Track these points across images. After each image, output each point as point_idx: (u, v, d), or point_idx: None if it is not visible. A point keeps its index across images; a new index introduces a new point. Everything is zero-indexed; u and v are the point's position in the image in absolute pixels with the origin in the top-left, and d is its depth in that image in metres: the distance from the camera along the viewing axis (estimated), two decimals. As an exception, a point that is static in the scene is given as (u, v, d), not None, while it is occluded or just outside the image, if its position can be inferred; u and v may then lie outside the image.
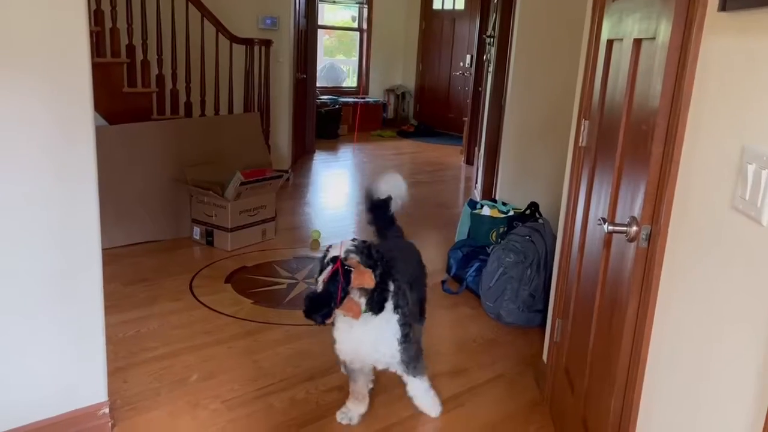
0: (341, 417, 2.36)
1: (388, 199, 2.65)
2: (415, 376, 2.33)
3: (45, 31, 1.86)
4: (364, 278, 1.97)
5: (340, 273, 1.94)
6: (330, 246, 2.08)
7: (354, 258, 2.00)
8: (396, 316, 2.17)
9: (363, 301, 2.04)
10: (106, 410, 2.22)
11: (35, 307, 2.00)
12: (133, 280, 3.59)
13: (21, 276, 1.96)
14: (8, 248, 1.91)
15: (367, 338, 2.16)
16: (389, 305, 2.13)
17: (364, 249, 2.03)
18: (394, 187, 2.67)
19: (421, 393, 2.40)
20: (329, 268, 1.97)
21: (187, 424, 2.32)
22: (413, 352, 2.26)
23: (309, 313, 1.96)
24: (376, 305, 2.04)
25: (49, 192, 1.95)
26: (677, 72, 1.43)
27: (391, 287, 2.14)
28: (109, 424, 2.23)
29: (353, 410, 2.37)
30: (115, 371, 2.56)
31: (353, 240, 2.08)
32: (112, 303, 2.86)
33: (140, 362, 2.72)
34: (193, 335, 3.00)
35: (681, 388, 1.37)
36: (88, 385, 2.18)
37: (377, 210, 2.66)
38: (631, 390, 1.59)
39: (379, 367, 2.29)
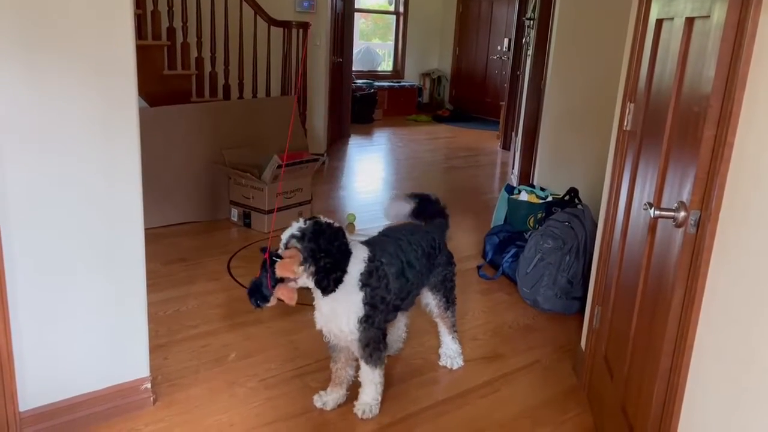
0: (316, 399, 2.36)
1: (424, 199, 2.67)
2: (367, 363, 2.25)
3: (92, 14, 1.88)
4: (286, 269, 2.03)
5: (267, 265, 2.04)
6: (294, 222, 2.11)
7: (293, 245, 2.04)
8: (361, 294, 2.16)
9: (310, 281, 2.07)
10: (148, 385, 2.28)
11: (82, 284, 2.06)
12: (172, 259, 3.66)
13: (69, 254, 2.01)
14: (57, 228, 1.96)
15: (333, 312, 2.19)
16: (354, 281, 2.14)
17: (309, 232, 2.04)
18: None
19: (366, 383, 2.30)
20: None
21: (225, 402, 2.36)
22: (372, 337, 2.21)
23: (250, 299, 2.12)
24: (322, 286, 2.06)
25: (95, 172, 1.99)
26: (733, 51, 1.38)
27: (360, 266, 2.16)
28: (151, 398, 2.29)
29: (330, 395, 2.35)
30: (156, 348, 2.62)
31: (305, 221, 2.09)
32: (153, 282, 2.90)
33: (180, 340, 2.77)
34: (231, 315, 3.04)
35: (727, 375, 1.34)
36: (131, 360, 2.24)
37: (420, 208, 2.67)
38: (676, 377, 1.56)
39: (343, 342, 2.27)
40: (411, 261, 2.35)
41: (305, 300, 3.22)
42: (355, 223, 4.51)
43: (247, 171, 4.19)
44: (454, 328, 2.67)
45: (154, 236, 3.90)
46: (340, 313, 2.18)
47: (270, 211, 4.20)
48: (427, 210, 2.67)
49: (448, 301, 2.60)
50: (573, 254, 3.22)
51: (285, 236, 2.09)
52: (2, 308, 1.86)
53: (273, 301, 2.12)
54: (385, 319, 2.30)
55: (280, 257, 2.04)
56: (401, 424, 2.29)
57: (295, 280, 2.06)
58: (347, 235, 2.16)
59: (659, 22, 1.97)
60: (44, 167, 1.89)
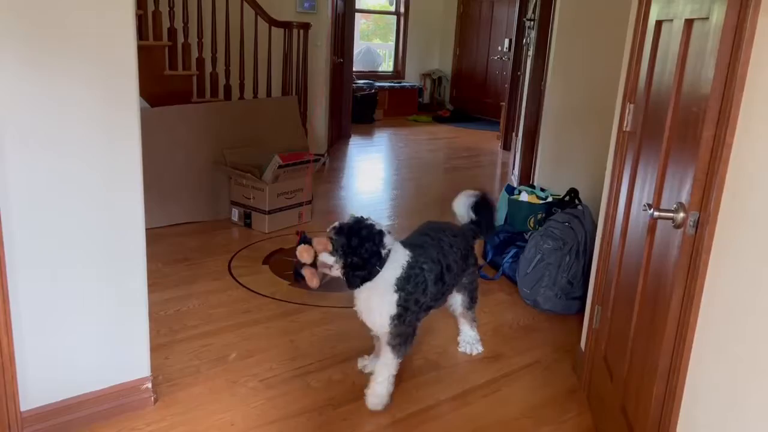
0: (360, 361, 2.59)
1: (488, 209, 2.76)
2: (392, 350, 2.33)
3: (94, 14, 1.89)
4: (302, 255, 2.21)
5: (297, 244, 2.30)
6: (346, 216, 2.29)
7: (329, 235, 2.20)
8: (395, 296, 2.26)
9: (338, 272, 2.20)
10: (149, 385, 2.28)
11: (83, 284, 2.06)
12: (173, 259, 3.66)
13: (70, 254, 2.01)
14: (58, 228, 1.97)
15: (367, 306, 2.33)
16: (389, 284, 2.24)
17: (348, 231, 2.16)
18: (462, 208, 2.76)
19: (381, 367, 2.36)
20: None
21: (227, 401, 2.36)
22: (403, 332, 2.32)
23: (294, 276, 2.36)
24: (347, 279, 2.20)
25: (96, 172, 2.00)
26: (731, 53, 1.39)
27: (398, 271, 2.26)
28: (152, 398, 2.29)
29: (373, 362, 2.51)
30: (157, 348, 2.62)
31: (351, 218, 2.22)
32: (153, 281, 2.92)
33: (181, 340, 2.78)
34: (232, 315, 3.05)
35: (726, 375, 1.35)
36: (132, 360, 2.24)
37: (479, 210, 2.74)
38: (675, 377, 1.57)
39: (377, 332, 2.41)
40: (450, 264, 2.46)
41: (305, 300, 3.23)
42: (355, 223, 4.51)
43: (248, 171, 4.20)
44: (474, 322, 2.83)
45: (155, 236, 3.90)
46: (374, 308, 2.31)
47: (271, 212, 4.21)
48: (481, 212, 2.74)
49: (473, 300, 2.75)
50: (573, 255, 3.23)
51: (329, 229, 2.24)
52: (3, 308, 1.87)
53: (304, 279, 2.28)
54: (417, 317, 2.37)
55: (309, 241, 2.21)
56: (401, 424, 2.30)
57: (329, 267, 2.19)
58: (389, 238, 2.24)
59: (659, 24, 1.97)
60: (46, 168, 1.90)
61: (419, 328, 2.40)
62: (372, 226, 2.20)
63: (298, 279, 2.39)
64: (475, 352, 2.80)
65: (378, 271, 2.20)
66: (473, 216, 2.72)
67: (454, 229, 2.63)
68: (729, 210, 1.39)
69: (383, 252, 2.20)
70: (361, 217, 2.22)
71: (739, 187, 1.35)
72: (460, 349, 2.82)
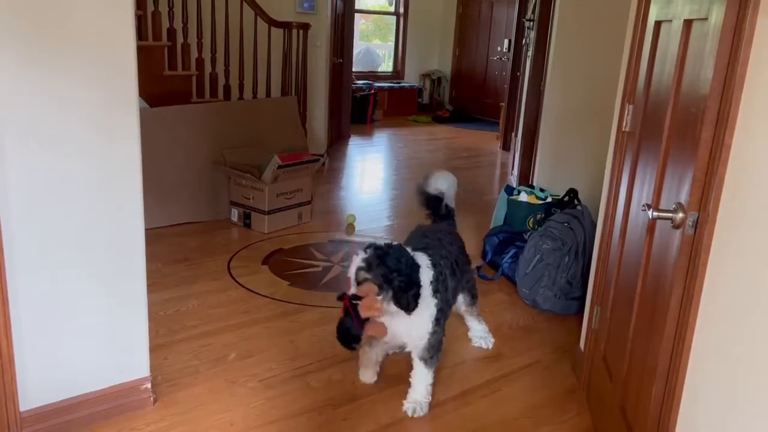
0: (364, 374, 2.50)
1: (440, 195, 2.71)
2: (426, 366, 2.31)
3: (93, 15, 1.89)
4: (371, 309, 2.06)
5: (350, 310, 2.06)
6: (354, 256, 2.12)
7: (363, 277, 2.05)
8: (435, 300, 2.23)
9: (391, 306, 2.09)
10: (148, 385, 2.28)
11: (83, 284, 2.06)
12: (173, 259, 3.66)
13: (69, 254, 2.01)
14: (58, 228, 1.97)
15: (406, 322, 2.20)
16: (428, 291, 2.19)
17: (376, 260, 2.05)
18: (444, 184, 2.72)
19: (419, 382, 2.34)
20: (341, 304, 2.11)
21: (226, 401, 2.36)
22: (438, 339, 2.29)
23: (339, 341, 2.14)
24: (405, 306, 2.09)
25: (96, 172, 2.00)
26: (730, 53, 1.39)
27: (429, 273, 2.20)
28: (151, 398, 2.29)
29: (363, 376, 2.49)
30: (156, 348, 2.62)
31: (366, 250, 2.09)
32: (153, 281, 2.92)
33: (180, 340, 2.78)
34: (231, 315, 3.05)
35: (726, 376, 1.35)
36: (132, 360, 2.24)
37: (431, 204, 2.73)
38: (674, 378, 1.57)
39: (408, 348, 2.32)
40: (456, 259, 2.47)
41: (305, 300, 3.23)
42: (354, 223, 4.52)
43: (248, 171, 4.20)
44: (480, 316, 2.88)
45: (154, 236, 3.90)
46: (414, 322, 2.20)
47: (270, 212, 4.21)
48: (439, 211, 2.73)
49: (473, 296, 2.79)
50: (572, 255, 3.23)
51: (352, 272, 2.10)
52: (3, 308, 1.87)
53: (364, 339, 2.22)
54: (446, 318, 2.37)
55: (359, 298, 2.05)
56: (401, 424, 2.30)
57: (379, 309, 2.08)
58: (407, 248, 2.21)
59: (658, 24, 1.97)
60: (45, 168, 1.90)
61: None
62: (390, 243, 2.15)
63: (354, 347, 2.15)
64: (489, 345, 2.84)
65: (421, 285, 2.14)
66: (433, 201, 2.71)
67: (447, 228, 2.67)
68: (728, 210, 1.40)
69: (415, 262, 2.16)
70: (373, 243, 2.15)
71: (739, 187, 1.36)
72: (474, 344, 2.85)
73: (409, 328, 2.24)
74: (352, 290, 2.09)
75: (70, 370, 2.12)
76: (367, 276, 2.05)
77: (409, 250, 2.23)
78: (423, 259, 2.25)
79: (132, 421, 2.21)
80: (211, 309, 3.10)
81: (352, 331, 2.09)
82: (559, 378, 2.65)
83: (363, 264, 2.06)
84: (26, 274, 1.94)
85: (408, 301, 2.08)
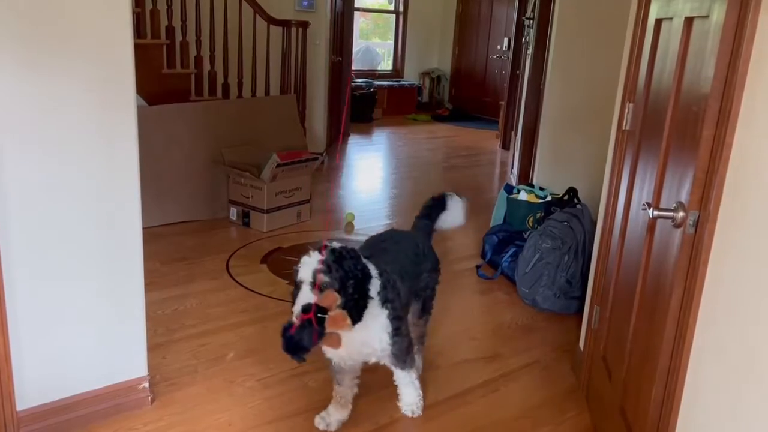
0: (319, 421, 2.23)
1: (440, 213, 2.60)
2: (402, 369, 2.24)
3: (91, 13, 1.88)
4: (338, 324, 1.90)
5: (314, 322, 1.84)
6: (300, 262, 1.93)
7: (322, 280, 1.86)
8: (385, 311, 2.08)
9: (342, 312, 1.92)
10: (146, 384, 2.28)
11: (80, 283, 2.05)
12: (171, 258, 3.65)
13: (67, 253, 2.00)
14: (55, 227, 1.96)
15: (356, 336, 2.04)
16: (375, 302, 2.04)
17: (333, 263, 1.89)
18: (452, 220, 2.61)
19: (404, 385, 2.29)
20: (300, 316, 1.86)
21: (224, 401, 2.35)
22: (404, 346, 2.17)
23: (287, 351, 1.88)
24: (355, 315, 1.94)
25: (93, 171, 1.99)
26: (732, 51, 1.38)
27: (376, 283, 2.05)
28: (149, 398, 2.28)
29: (333, 416, 2.24)
30: (154, 347, 2.61)
31: (322, 250, 1.91)
32: (151, 281, 2.90)
33: (178, 339, 2.77)
34: (230, 314, 3.04)
35: (726, 376, 1.34)
36: (129, 359, 2.23)
37: (432, 212, 2.61)
38: (674, 378, 1.56)
39: (371, 361, 2.20)
40: (405, 266, 2.29)
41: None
42: (353, 222, 4.50)
43: (246, 170, 4.19)
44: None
45: (152, 235, 3.89)
46: (371, 336, 2.08)
47: (269, 211, 4.19)
48: (427, 227, 2.62)
49: (425, 309, 2.48)
50: (572, 254, 3.22)
51: (306, 273, 1.89)
52: (0, 308, 1.86)
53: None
54: (407, 324, 2.24)
55: (326, 311, 1.87)
56: (399, 424, 2.29)
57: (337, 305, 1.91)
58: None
59: (658, 22, 1.96)
60: (43, 166, 1.89)
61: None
62: (345, 247, 1.97)
63: (304, 358, 1.88)
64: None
65: (370, 296, 1.99)
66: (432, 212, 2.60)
67: (395, 236, 2.52)
68: (729, 209, 1.39)
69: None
70: (326, 245, 1.95)
71: (740, 186, 1.35)
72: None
73: (362, 344, 2.09)
74: (308, 295, 1.88)
75: (68, 369, 2.11)
76: (327, 280, 1.88)
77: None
78: (371, 268, 2.07)
79: (130, 420, 2.20)
80: (210, 308, 3.09)
81: (303, 343, 1.84)
82: (559, 378, 2.64)
83: (324, 267, 1.87)
84: (23, 274, 1.92)
85: (359, 309, 1.94)
